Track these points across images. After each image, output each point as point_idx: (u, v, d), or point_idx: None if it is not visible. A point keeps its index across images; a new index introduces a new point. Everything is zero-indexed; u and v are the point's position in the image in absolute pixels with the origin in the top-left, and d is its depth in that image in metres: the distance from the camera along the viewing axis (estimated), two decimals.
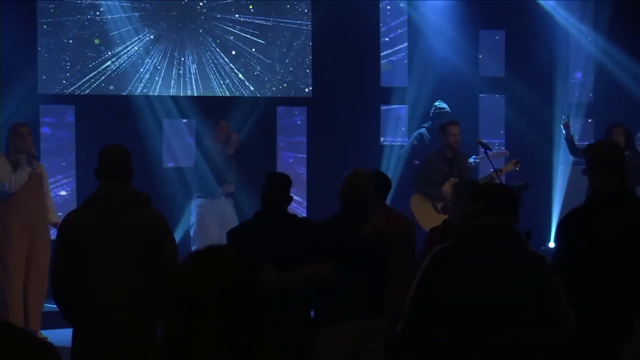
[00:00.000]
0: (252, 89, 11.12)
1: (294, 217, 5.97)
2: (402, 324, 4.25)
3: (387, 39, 11.83)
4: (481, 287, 4.03)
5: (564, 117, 10.86)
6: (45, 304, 8.47)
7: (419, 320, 4.14)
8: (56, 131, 10.38)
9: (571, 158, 11.50)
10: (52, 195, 8.89)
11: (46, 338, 8.38)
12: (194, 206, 9.74)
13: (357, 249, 5.66)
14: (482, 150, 10.02)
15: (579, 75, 12.38)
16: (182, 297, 2.36)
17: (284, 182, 5.92)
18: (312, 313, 5.94)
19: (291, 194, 5.98)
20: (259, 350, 2.35)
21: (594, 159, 5.07)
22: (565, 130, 10.47)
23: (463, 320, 4.03)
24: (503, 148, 11.55)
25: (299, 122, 11.56)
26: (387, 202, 6.86)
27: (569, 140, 10.43)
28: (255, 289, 2.40)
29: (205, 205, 9.64)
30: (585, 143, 11.20)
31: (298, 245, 5.65)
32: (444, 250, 4.27)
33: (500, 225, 4.15)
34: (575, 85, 12.34)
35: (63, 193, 10.24)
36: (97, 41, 10.52)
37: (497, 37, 12.21)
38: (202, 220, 9.63)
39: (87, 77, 10.48)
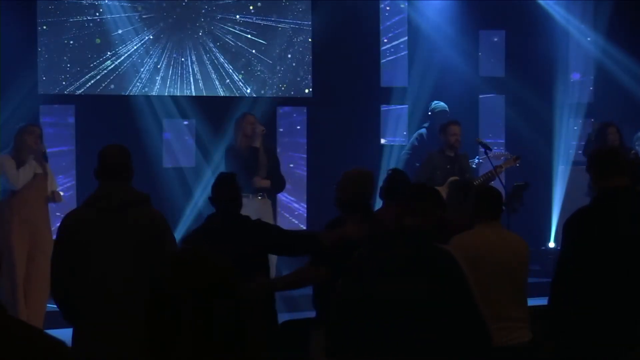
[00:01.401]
0: (252, 89, 11.11)
1: (247, 218, 5.89)
2: (326, 327, 4.24)
3: (386, 39, 11.83)
4: (382, 289, 3.97)
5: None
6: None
7: (336, 324, 4.11)
8: (56, 131, 10.37)
9: (571, 158, 11.53)
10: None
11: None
12: None
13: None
14: (482, 150, 10.03)
15: (576, 76, 12.39)
16: (162, 298, 2.36)
17: (236, 182, 5.85)
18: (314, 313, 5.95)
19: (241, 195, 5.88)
20: (241, 352, 2.35)
21: (599, 161, 5.09)
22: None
23: (372, 323, 3.96)
24: (503, 149, 11.55)
25: (299, 123, 11.55)
26: None
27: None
28: (235, 289, 2.39)
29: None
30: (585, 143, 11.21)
31: (255, 247, 5.59)
32: (355, 255, 4.27)
33: (405, 225, 4.09)
34: (575, 85, 12.34)
35: (63, 193, 10.22)
36: (98, 40, 10.52)
37: (495, 40, 12.20)
38: None
39: (87, 77, 10.48)
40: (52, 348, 2.46)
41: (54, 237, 6.21)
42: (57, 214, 9.60)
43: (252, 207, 9.11)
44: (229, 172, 6.30)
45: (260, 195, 9.30)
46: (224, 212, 5.72)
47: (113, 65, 10.57)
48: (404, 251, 4.02)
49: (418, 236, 4.08)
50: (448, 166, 9.69)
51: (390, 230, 4.08)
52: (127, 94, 10.62)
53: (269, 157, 9.48)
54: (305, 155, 11.44)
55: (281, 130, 11.46)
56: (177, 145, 10.85)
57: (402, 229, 4.06)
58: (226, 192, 5.75)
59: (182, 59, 10.86)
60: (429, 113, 10.80)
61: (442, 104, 10.77)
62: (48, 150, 8.91)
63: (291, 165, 11.42)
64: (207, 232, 5.66)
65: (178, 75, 10.84)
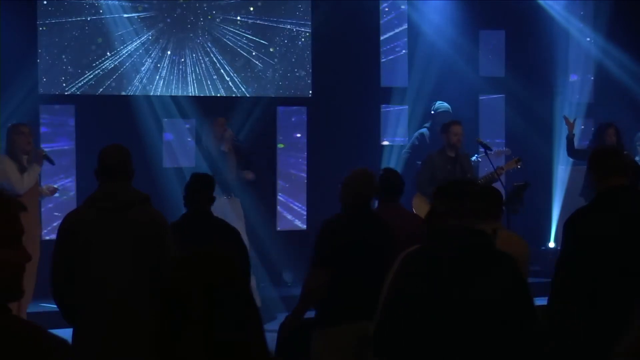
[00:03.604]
0: (252, 89, 11.11)
1: (218, 218, 5.95)
2: (375, 326, 4.25)
3: (386, 39, 11.83)
4: (448, 290, 3.99)
5: (564, 115, 10.87)
6: (45, 304, 8.45)
7: (390, 322, 4.12)
8: (56, 131, 10.37)
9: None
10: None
11: None
12: None
13: (360, 250, 5.64)
14: (482, 149, 10.03)
15: (574, 77, 12.39)
16: (168, 296, 2.36)
17: (209, 182, 5.96)
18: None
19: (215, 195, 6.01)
20: (245, 348, 2.35)
21: (599, 161, 5.10)
22: (568, 127, 10.47)
23: (432, 322, 4.00)
24: (502, 147, 11.55)
25: (299, 123, 11.55)
26: None
27: (570, 140, 10.42)
28: (241, 285, 2.39)
29: None
30: (586, 143, 11.21)
31: (225, 248, 5.60)
32: (412, 253, 4.28)
33: (466, 226, 4.10)
34: (575, 85, 12.34)
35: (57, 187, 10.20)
36: (99, 40, 10.52)
37: (494, 42, 12.20)
38: None
39: (87, 77, 10.48)
40: (55, 347, 2.47)
41: (49, 237, 6.21)
42: (57, 213, 9.61)
43: (219, 208, 9.19)
44: (201, 173, 6.41)
45: (226, 196, 9.35)
46: (197, 212, 5.88)
47: (113, 65, 10.56)
48: (470, 252, 4.05)
49: (482, 237, 4.11)
50: (449, 166, 9.68)
51: (448, 230, 4.07)
52: (127, 94, 10.62)
53: (239, 157, 9.61)
54: (305, 155, 11.44)
55: (281, 129, 11.45)
56: (177, 146, 10.85)
57: (460, 229, 4.07)
58: (199, 192, 5.92)
59: (182, 59, 10.85)
60: (432, 112, 10.80)
61: (445, 104, 10.77)
62: (48, 150, 8.91)
63: (292, 171, 11.43)
64: (178, 231, 5.68)
65: (178, 76, 10.84)
